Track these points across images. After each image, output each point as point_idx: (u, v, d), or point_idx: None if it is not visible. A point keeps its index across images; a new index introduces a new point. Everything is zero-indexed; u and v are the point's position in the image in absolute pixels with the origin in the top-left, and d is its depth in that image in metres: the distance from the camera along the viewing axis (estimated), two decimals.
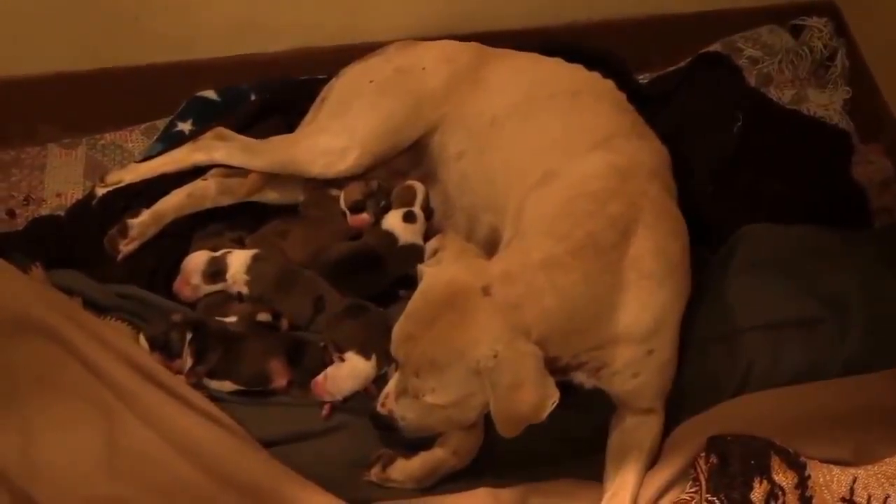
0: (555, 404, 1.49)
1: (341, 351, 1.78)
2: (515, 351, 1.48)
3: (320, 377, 1.76)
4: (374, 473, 1.69)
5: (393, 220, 1.97)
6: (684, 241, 1.72)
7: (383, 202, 2.01)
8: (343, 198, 2.01)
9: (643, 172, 1.71)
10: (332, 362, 1.79)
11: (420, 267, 1.63)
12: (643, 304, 1.61)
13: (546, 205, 1.66)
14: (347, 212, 2.01)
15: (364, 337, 1.78)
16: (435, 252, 1.69)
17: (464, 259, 1.60)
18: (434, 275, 1.57)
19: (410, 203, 2.00)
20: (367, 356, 1.76)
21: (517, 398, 1.48)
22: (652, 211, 1.65)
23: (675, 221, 1.72)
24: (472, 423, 1.65)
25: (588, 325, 1.57)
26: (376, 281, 1.93)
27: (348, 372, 1.76)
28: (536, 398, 1.48)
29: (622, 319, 1.59)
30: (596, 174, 1.68)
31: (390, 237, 1.96)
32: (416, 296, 1.57)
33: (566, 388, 1.57)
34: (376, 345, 1.75)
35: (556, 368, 1.56)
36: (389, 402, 1.62)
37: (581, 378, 1.66)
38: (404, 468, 1.68)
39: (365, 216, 2.01)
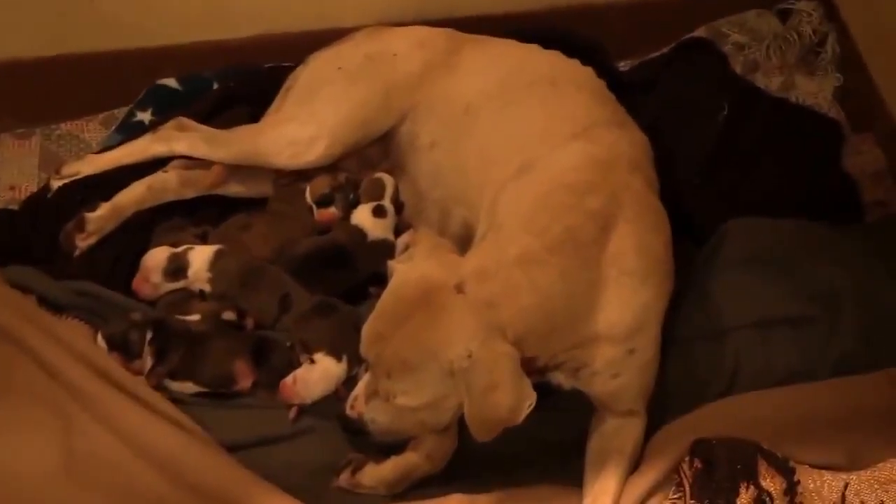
0: (531, 407, 1.46)
1: (310, 351, 1.73)
2: (490, 351, 1.44)
3: (289, 380, 1.71)
4: (344, 479, 1.65)
5: (362, 215, 1.94)
6: (667, 235, 1.68)
7: (352, 196, 1.97)
8: (309, 191, 1.97)
9: (624, 164, 1.67)
10: (299, 363, 1.74)
11: (391, 263, 1.59)
12: (624, 302, 1.57)
13: (522, 198, 1.62)
14: (314, 206, 1.97)
15: (334, 337, 1.73)
16: (406, 248, 1.66)
17: (436, 255, 1.56)
18: (405, 272, 1.53)
19: (380, 197, 1.96)
20: (337, 357, 1.72)
21: (492, 400, 1.44)
22: (633, 205, 1.61)
23: (657, 215, 1.69)
24: (445, 426, 1.61)
25: (566, 323, 1.54)
26: (345, 278, 1.90)
27: (319, 374, 1.72)
28: (512, 400, 1.44)
29: (602, 318, 1.56)
30: (575, 166, 1.64)
31: (359, 232, 1.92)
32: (387, 294, 1.53)
33: (544, 390, 1.53)
34: (347, 345, 1.71)
35: (533, 369, 1.52)
36: (359, 404, 1.57)
37: (559, 379, 1.62)
38: (375, 473, 1.64)
39: (332, 210, 1.97)
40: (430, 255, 1.56)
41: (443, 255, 1.57)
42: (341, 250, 1.90)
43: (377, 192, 1.96)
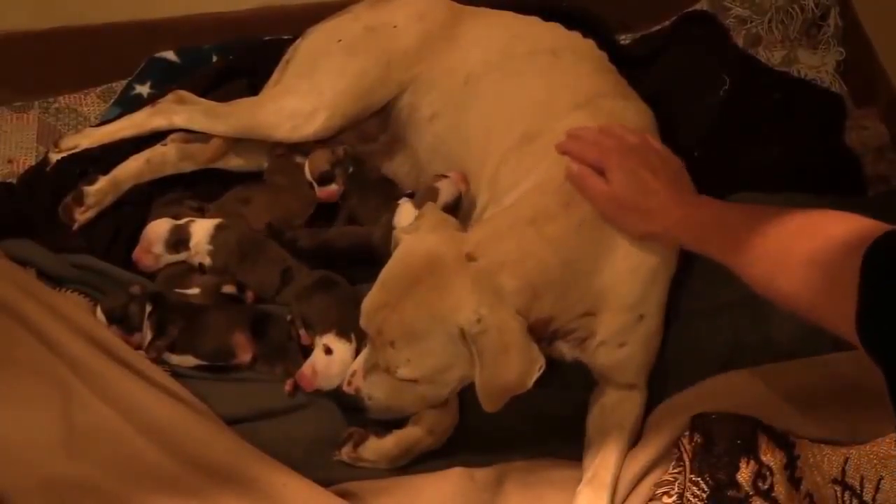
0: (542, 370, 1.46)
1: (314, 328, 1.72)
2: (500, 315, 1.43)
3: (307, 371, 1.69)
4: (345, 453, 1.65)
5: (405, 216, 1.85)
6: None
7: (351, 169, 1.96)
8: (308, 168, 1.95)
9: None
10: (298, 336, 1.74)
11: (395, 233, 1.58)
12: (632, 268, 1.57)
13: (525, 167, 1.62)
14: (315, 184, 1.95)
15: (338, 315, 1.71)
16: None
17: (443, 228, 1.56)
18: (412, 241, 1.52)
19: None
20: (347, 338, 1.70)
21: (504, 364, 1.44)
22: None
23: None
24: (443, 401, 1.61)
25: (580, 278, 1.54)
26: (370, 274, 1.81)
27: (339, 365, 1.68)
28: (523, 363, 1.45)
29: (611, 282, 1.56)
30: None
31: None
32: (393, 262, 1.52)
33: (546, 364, 1.51)
34: (352, 322, 1.67)
35: (541, 337, 1.52)
36: (357, 379, 1.57)
37: (563, 350, 1.62)
38: (377, 447, 1.64)
39: (334, 187, 1.95)
40: (437, 228, 1.55)
41: (449, 228, 1.57)
42: (375, 249, 1.84)
43: (430, 197, 1.84)
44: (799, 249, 1.28)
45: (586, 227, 1.53)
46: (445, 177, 1.80)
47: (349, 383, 1.58)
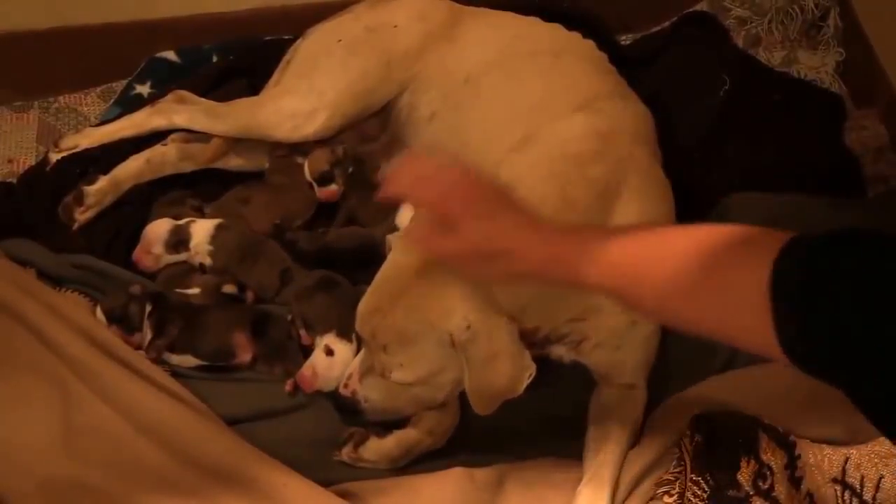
0: (531, 377, 1.45)
1: (314, 329, 1.72)
2: (489, 321, 1.43)
3: (307, 372, 1.69)
4: (346, 453, 1.65)
5: (405, 218, 1.85)
6: (670, 206, 1.67)
7: (351, 169, 1.95)
8: (308, 168, 1.95)
9: (627, 135, 1.66)
10: (299, 336, 1.74)
11: (389, 238, 1.58)
12: None
13: (523, 168, 1.60)
14: (315, 184, 1.95)
15: (339, 315, 1.71)
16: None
17: None
18: (406, 246, 1.51)
19: None
20: (348, 338, 1.70)
21: (493, 371, 1.44)
22: (637, 175, 1.60)
23: (661, 186, 1.68)
24: (439, 404, 1.60)
25: (569, 289, 1.49)
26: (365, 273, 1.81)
27: (340, 366, 1.68)
28: (512, 370, 1.44)
29: None
30: (578, 137, 1.63)
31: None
32: (386, 266, 1.51)
33: (544, 364, 1.52)
34: (353, 323, 1.65)
35: (533, 341, 1.51)
36: (353, 382, 1.57)
37: (560, 352, 1.62)
38: (377, 448, 1.64)
39: (334, 188, 1.95)
40: None
41: None
42: (378, 250, 1.79)
43: None
44: (686, 271, 1.13)
45: None
46: None
47: (345, 386, 1.57)
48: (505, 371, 1.44)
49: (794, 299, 0.99)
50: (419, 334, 1.45)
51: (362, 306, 1.50)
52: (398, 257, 1.50)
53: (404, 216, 1.83)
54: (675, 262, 1.14)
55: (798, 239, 1.02)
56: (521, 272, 1.31)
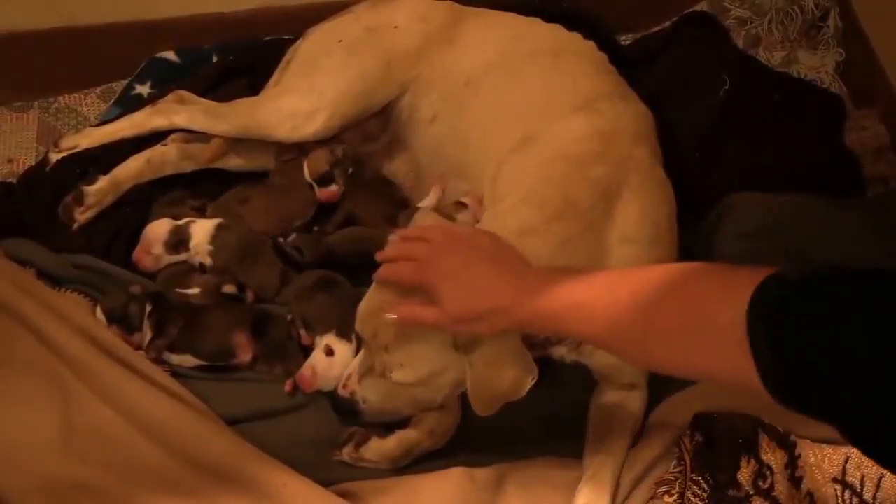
0: (534, 381, 1.44)
1: (314, 329, 1.72)
2: None
3: (307, 372, 1.69)
4: (347, 453, 1.65)
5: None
6: (672, 206, 1.67)
7: (351, 169, 1.95)
8: (308, 169, 1.95)
9: (628, 136, 1.66)
10: (299, 336, 1.74)
11: (391, 238, 1.58)
12: None
13: (525, 170, 1.61)
14: (315, 184, 1.95)
15: (338, 315, 1.71)
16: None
17: None
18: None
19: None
20: (347, 338, 1.70)
21: (495, 375, 1.43)
22: (638, 175, 1.59)
23: (662, 186, 1.67)
24: (437, 406, 1.60)
25: None
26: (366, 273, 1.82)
27: (339, 367, 1.68)
28: (515, 375, 1.43)
29: None
30: (578, 137, 1.63)
31: None
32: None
33: (545, 364, 1.52)
34: (353, 323, 1.65)
35: (535, 343, 1.50)
36: (352, 383, 1.56)
37: (561, 353, 1.61)
38: (379, 448, 1.64)
39: (334, 188, 1.95)
40: None
41: None
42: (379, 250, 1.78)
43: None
44: (662, 319, 1.14)
45: (573, 243, 1.50)
46: (464, 205, 1.75)
47: (344, 386, 1.57)
48: (508, 375, 1.43)
49: (771, 342, 0.99)
50: (422, 334, 1.44)
51: (364, 306, 1.50)
52: None
53: (429, 200, 1.83)
54: (649, 309, 1.15)
55: (773, 277, 1.02)
56: (508, 326, 1.36)
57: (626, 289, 1.21)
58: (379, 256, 1.49)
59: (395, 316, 1.41)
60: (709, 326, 1.06)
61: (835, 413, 0.96)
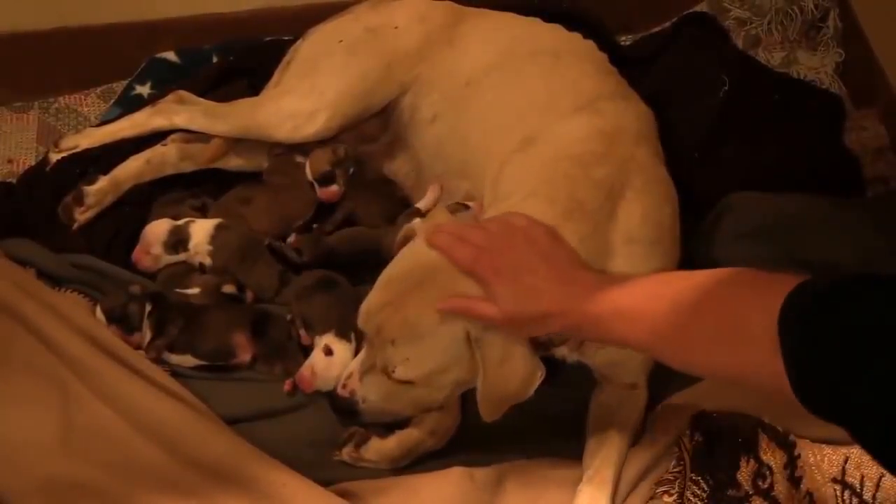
0: (542, 378, 1.45)
1: (313, 328, 1.72)
2: None
3: (306, 372, 1.69)
4: (347, 453, 1.64)
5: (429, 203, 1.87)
6: (674, 206, 1.66)
7: (352, 169, 1.95)
8: (309, 168, 1.95)
9: (630, 136, 1.65)
10: (299, 336, 1.74)
11: (408, 226, 1.59)
12: (630, 272, 1.53)
13: (527, 169, 1.60)
14: (316, 184, 1.95)
15: (338, 315, 1.71)
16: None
17: None
18: (422, 241, 1.49)
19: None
20: (347, 338, 1.70)
21: (507, 371, 1.43)
22: (640, 175, 1.59)
23: (665, 186, 1.67)
24: (437, 407, 1.60)
25: None
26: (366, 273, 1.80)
27: (339, 367, 1.67)
28: (525, 371, 1.43)
29: None
30: (580, 137, 1.62)
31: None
32: (400, 261, 1.49)
33: (546, 364, 1.50)
34: (352, 323, 1.65)
35: (538, 343, 1.49)
36: (352, 381, 1.54)
37: (563, 352, 1.61)
38: (379, 448, 1.63)
39: (335, 188, 1.94)
40: None
41: None
42: (384, 252, 1.78)
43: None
44: (699, 326, 1.19)
45: (586, 242, 1.48)
46: (465, 206, 1.74)
47: (344, 386, 1.55)
48: (518, 372, 1.43)
49: (802, 350, 1.01)
50: (432, 329, 1.42)
51: (369, 302, 1.48)
52: (414, 252, 1.49)
53: (427, 201, 1.84)
54: (687, 317, 1.21)
55: (804, 285, 1.04)
56: (558, 330, 1.41)
57: (665, 297, 1.26)
58: (431, 231, 1.46)
59: (447, 306, 1.41)
60: (743, 334, 1.10)
61: (859, 421, 0.97)
